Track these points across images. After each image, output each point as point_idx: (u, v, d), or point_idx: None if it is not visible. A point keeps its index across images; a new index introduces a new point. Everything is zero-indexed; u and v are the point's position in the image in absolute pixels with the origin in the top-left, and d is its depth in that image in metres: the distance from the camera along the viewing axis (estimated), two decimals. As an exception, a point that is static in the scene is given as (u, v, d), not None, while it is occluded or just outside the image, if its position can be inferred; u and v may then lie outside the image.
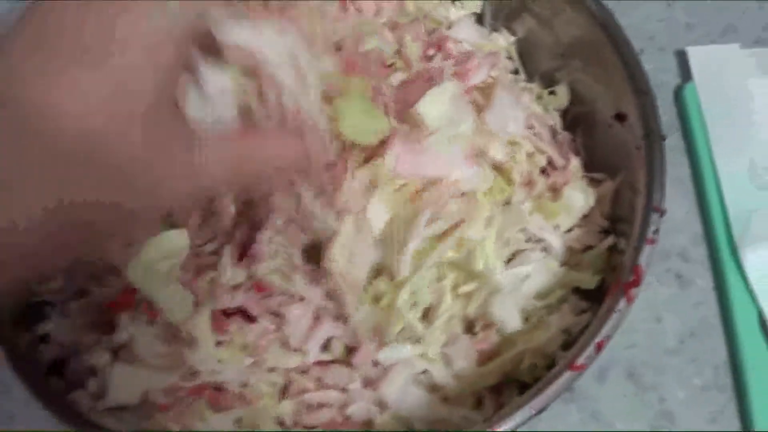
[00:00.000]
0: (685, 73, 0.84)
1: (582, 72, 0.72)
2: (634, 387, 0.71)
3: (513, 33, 0.77)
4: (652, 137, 0.63)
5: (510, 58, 0.77)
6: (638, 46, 0.81)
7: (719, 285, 0.74)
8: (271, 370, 0.62)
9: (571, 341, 0.60)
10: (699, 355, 0.72)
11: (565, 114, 0.73)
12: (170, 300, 0.58)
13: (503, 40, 0.76)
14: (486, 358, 0.63)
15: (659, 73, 0.84)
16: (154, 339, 0.60)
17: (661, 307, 0.74)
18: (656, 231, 0.60)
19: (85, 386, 0.61)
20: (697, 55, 0.83)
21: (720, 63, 0.82)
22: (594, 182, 0.69)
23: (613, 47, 0.67)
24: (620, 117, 0.66)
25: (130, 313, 0.61)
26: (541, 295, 0.65)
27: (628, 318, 0.71)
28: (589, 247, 0.66)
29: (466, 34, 0.74)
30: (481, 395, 0.63)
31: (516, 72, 0.77)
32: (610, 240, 0.65)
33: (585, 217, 0.67)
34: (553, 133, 0.71)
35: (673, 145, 0.81)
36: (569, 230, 0.67)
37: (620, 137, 0.66)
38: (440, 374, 0.61)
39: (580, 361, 0.56)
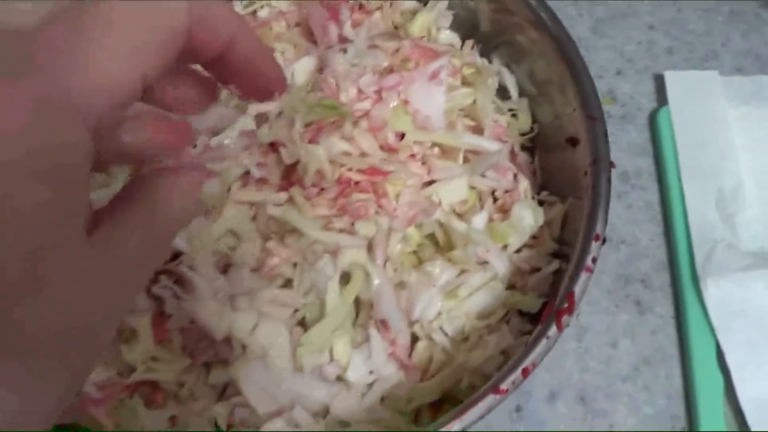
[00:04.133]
0: (662, 97, 0.83)
1: (541, 94, 0.71)
2: (585, 411, 0.70)
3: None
4: (600, 163, 0.62)
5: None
6: (616, 68, 0.82)
7: (678, 314, 0.74)
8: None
9: (509, 363, 0.60)
10: (652, 384, 0.71)
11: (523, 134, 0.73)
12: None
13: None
14: (426, 374, 0.63)
15: (636, 96, 0.84)
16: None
17: (619, 333, 0.74)
18: (594, 259, 0.59)
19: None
20: (674, 79, 0.82)
21: (697, 89, 0.82)
22: (546, 204, 0.68)
23: (569, 70, 0.66)
24: (572, 141, 0.66)
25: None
26: (482, 315, 0.64)
27: (585, 341, 0.71)
28: (536, 270, 0.66)
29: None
30: (420, 411, 0.63)
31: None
32: (555, 264, 0.65)
33: (535, 238, 0.67)
34: (513, 155, 0.71)
35: (644, 169, 0.81)
36: (518, 250, 0.67)
37: (572, 161, 0.66)
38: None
39: (504, 385, 0.55)
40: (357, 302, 0.63)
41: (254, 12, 0.78)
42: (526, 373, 0.56)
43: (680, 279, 0.74)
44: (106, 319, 0.33)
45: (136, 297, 0.36)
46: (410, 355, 0.63)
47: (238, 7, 0.79)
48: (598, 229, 0.61)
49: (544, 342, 0.57)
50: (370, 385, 0.62)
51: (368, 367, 0.62)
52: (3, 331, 0.28)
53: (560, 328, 0.57)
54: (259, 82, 0.42)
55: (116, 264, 0.33)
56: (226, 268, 0.63)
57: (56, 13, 0.31)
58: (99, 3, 0.32)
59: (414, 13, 0.76)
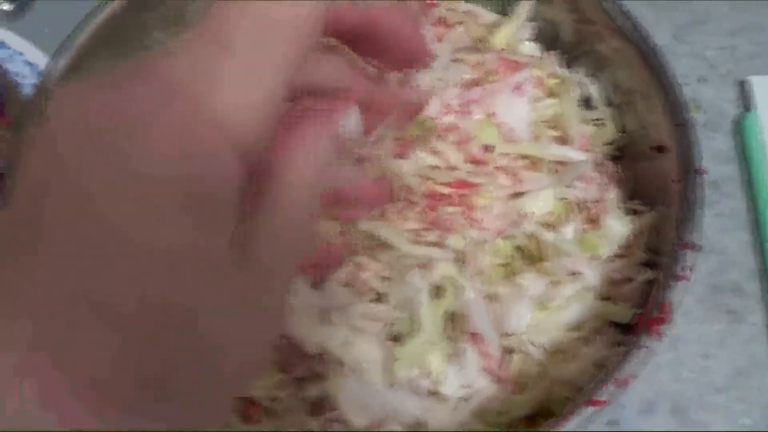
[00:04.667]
0: (747, 102, 0.82)
1: (625, 103, 0.71)
2: (680, 423, 0.69)
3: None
4: (690, 170, 0.61)
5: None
6: (699, 74, 0.81)
7: (772, 322, 0.72)
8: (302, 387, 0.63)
9: (604, 375, 0.60)
10: (748, 394, 0.70)
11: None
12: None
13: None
14: (519, 387, 0.63)
15: (719, 103, 0.83)
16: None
17: (712, 343, 0.72)
18: (687, 268, 0.58)
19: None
20: (760, 84, 0.81)
21: (784, 93, 0.80)
22: (636, 213, 0.68)
23: (654, 76, 0.65)
24: (660, 149, 0.65)
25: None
26: (575, 327, 0.64)
27: (677, 352, 0.70)
28: (628, 279, 0.65)
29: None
30: (514, 425, 0.63)
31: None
32: (647, 273, 0.64)
33: (625, 248, 0.66)
34: (599, 164, 0.70)
35: (731, 176, 0.79)
36: (609, 260, 0.66)
37: (660, 169, 0.65)
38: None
39: (601, 396, 0.55)
40: (450, 316, 0.63)
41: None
42: (624, 384, 0.55)
43: (773, 287, 0.73)
44: (263, 333, 0.32)
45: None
46: (503, 368, 0.63)
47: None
48: (691, 237, 0.60)
49: (642, 352, 0.56)
50: (464, 399, 0.62)
51: (461, 381, 0.61)
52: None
53: (655, 338, 0.56)
54: (402, 55, 0.41)
55: (262, 275, 0.31)
56: (317, 283, 0.64)
57: (184, 38, 0.30)
58: (226, 21, 0.30)
59: (495, 26, 0.76)
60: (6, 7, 0.97)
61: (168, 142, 0.27)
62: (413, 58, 0.42)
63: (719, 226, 0.77)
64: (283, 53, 0.31)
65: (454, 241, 0.63)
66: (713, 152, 0.81)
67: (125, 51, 0.74)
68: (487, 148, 0.66)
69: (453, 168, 0.65)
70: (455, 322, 0.63)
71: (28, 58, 0.88)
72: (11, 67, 0.87)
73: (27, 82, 0.87)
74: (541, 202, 0.65)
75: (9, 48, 0.89)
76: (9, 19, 0.97)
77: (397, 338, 0.63)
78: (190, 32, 0.31)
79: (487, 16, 0.77)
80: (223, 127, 0.28)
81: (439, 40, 0.74)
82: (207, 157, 0.28)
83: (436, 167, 0.64)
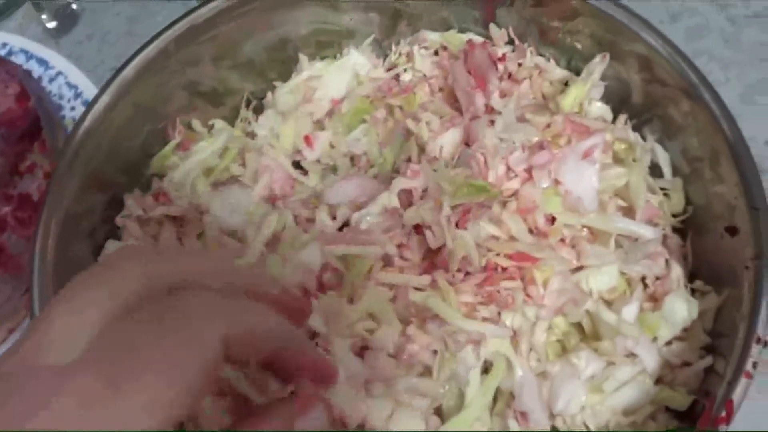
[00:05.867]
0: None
1: (694, 173, 0.68)
2: None
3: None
4: (764, 259, 0.58)
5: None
6: (765, 138, 0.77)
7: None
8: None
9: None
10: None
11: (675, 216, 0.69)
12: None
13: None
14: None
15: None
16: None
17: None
18: (755, 364, 0.55)
19: None
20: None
21: None
22: (699, 294, 0.64)
23: (732, 156, 0.62)
24: (732, 230, 0.62)
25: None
26: (628, 411, 0.61)
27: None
28: (686, 364, 0.62)
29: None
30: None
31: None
32: (708, 360, 0.61)
33: (686, 330, 0.63)
34: (664, 237, 0.67)
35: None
36: (668, 343, 0.63)
37: (730, 251, 0.62)
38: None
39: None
40: (496, 390, 0.61)
41: (397, 76, 0.76)
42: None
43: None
44: None
45: None
46: (550, 450, 0.60)
47: (380, 70, 0.76)
48: (760, 330, 0.57)
49: (702, 451, 0.53)
50: (508, 480, 0.59)
51: (506, 461, 0.59)
52: None
53: (719, 436, 0.54)
54: (309, 375, 0.43)
55: None
56: (362, 351, 0.61)
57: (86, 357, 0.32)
58: (130, 349, 0.32)
59: (564, 82, 0.73)
60: (51, 25, 0.95)
61: None
62: (320, 379, 0.44)
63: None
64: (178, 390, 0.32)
65: (511, 318, 0.60)
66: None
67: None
68: (550, 219, 0.63)
69: (514, 239, 0.62)
70: (501, 397, 0.61)
71: (69, 80, 0.86)
72: (54, 88, 0.85)
73: (67, 104, 0.84)
74: (604, 278, 0.63)
75: (52, 68, 0.86)
76: (53, 36, 0.95)
77: (441, 413, 0.60)
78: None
79: (557, 72, 0.73)
80: None
81: (505, 95, 0.71)
82: None
83: (497, 237, 0.61)
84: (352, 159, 0.73)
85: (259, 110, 0.78)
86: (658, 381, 0.62)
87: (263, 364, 0.39)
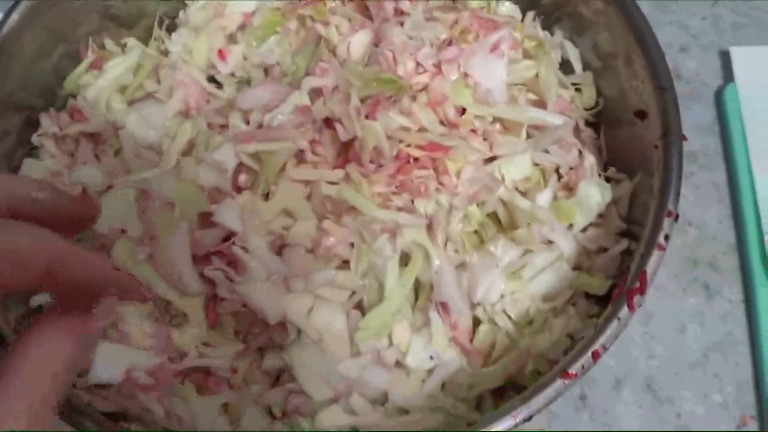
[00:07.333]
0: (728, 74, 0.80)
1: (605, 67, 0.68)
2: (651, 399, 0.68)
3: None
4: (671, 136, 0.59)
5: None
6: (681, 44, 0.79)
7: (748, 298, 0.71)
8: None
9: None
10: (722, 370, 0.68)
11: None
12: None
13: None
14: (488, 359, 0.61)
15: (701, 73, 0.81)
16: (143, 318, 0.60)
17: (686, 318, 0.71)
18: (667, 237, 0.56)
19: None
20: (740, 55, 0.79)
21: (765, 65, 0.78)
22: (613, 182, 0.65)
23: (637, 40, 0.63)
24: (641, 114, 0.63)
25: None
26: (547, 297, 0.62)
27: (651, 327, 0.68)
28: (603, 249, 0.63)
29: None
30: (483, 397, 0.61)
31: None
32: (624, 243, 0.62)
33: (602, 217, 0.64)
34: (577, 130, 0.68)
35: (711, 148, 0.77)
36: (584, 229, 0.64)
37: (640, 137, 0.63)
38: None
39: (573, 369, 0.53)
40: (416, 284, 0.61)
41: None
42: (596, 356, 0.53)
43: (749, 262, 0.71)
44: None
45: None
46: (472, 339, 0.61)
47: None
48: (671, 205, 0.57)
49: (614, 324, 0.54)
50: (431, 371, 0.60)
51: (428, 352, 0.59)
52: None
53: (632, 309, 0.54)
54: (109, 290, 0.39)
55: None
56: (280, 249, 0.61)
57: None
58: None
59: (472, -18, 0.73)
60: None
61: None
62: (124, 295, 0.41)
63: (698, 198, 0.75)
64: None
65: (424, 205, 0.60)
66: (694, 123, 0.79)
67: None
68: (461, 111, 0.64)
69: (425, 130, 0.62)
70: (422, 291, 0.61)
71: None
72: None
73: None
74: (517, 167, 0.63)
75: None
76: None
77: (362, 307, 0.60)
78: None
79: (465, -27, 0.74)
80: None
81: (413, -1, 0.71)
82: None
83: (408, 129, 0.62)
84: (266, 70, 0.73)
85: (172, 29, 0.77)
86: (578, 269, 0.63)
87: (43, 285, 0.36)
